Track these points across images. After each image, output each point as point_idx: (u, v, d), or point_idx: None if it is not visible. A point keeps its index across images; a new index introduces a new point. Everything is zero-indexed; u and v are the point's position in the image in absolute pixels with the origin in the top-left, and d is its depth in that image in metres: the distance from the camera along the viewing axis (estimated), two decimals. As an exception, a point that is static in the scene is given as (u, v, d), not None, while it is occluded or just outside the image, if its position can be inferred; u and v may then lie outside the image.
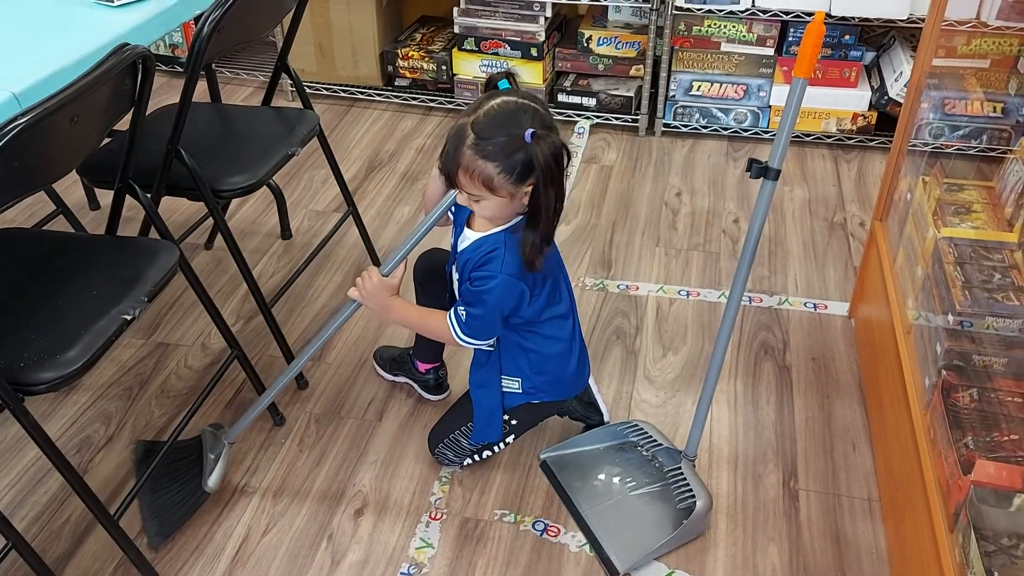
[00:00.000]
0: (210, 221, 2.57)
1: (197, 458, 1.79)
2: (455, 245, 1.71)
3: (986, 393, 1.45)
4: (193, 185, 1.85)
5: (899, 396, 1.71)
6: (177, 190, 1.89)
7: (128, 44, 1.48)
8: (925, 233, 1.71)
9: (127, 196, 1.73)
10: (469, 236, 1.65)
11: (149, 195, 1.77)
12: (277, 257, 2.58)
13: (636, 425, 1.89)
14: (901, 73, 2.92)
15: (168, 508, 1.75)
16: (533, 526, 1.76)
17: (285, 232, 2.66)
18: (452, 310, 1.68)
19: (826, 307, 2.34)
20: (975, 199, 1.77)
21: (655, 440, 1.84)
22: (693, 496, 1.70)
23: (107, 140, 2.12)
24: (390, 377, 2.11)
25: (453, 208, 1.64)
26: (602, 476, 1.84)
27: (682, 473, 1.75)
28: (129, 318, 1.52)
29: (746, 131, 3.11)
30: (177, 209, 2.65)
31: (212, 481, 1.75)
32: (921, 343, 1.67)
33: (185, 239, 2.36)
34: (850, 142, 3.06)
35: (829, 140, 3.07)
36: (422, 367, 2.04)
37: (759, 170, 1.42)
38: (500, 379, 1.74)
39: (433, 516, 1.78)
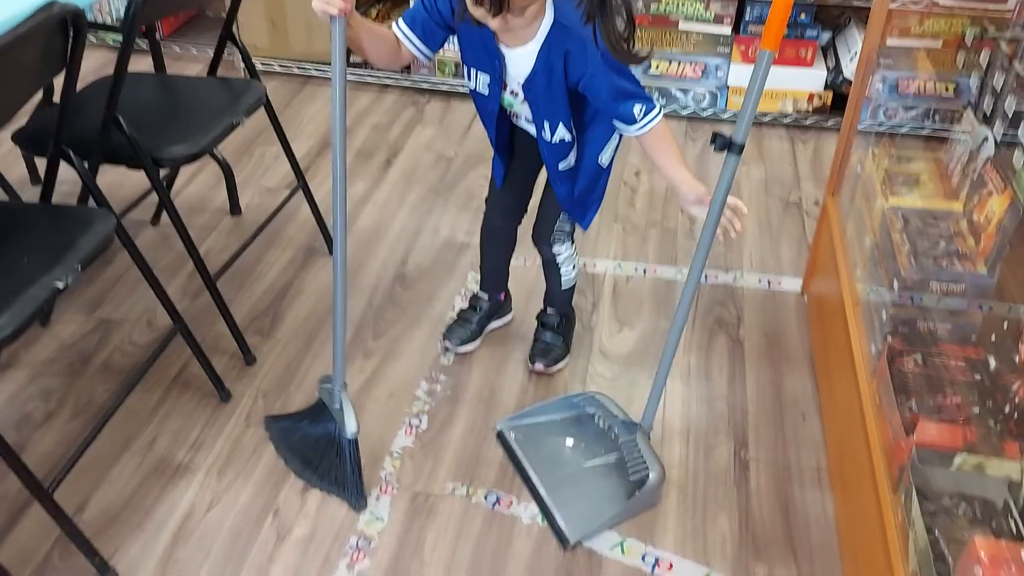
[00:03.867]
0: (156, 198, 2.51)
1: (326, 416, 1.74)
2: (501, 80, 1.57)
3: (930, 358, 1.46)
4: (133, 153, 1.79)
5: (847, 366, 1.71)
6: (116, 159, 1.84)
7: (56, 2, 1.42)
8: (873, 203, 1.72)
9: (70, 171, 1.68)
10: (523, 52, 1.51)
11: (87, 164, 1.72)
12: (226, 233, 2.52)
13: (593, 397, 1.88)
14: (856, 53, 2.94)
15: (339, 472, 1.71)
16: (485, 498, 1.74)
17: (234, 208, 2.61)
18: (633, 109, 1.51)
19: (780, 283, 2.34)
20: (923, 170, 1.77)
21: (611, 412, 1.83)
22: (647, 468, 1.69)
23: (46, 108, 2.06)
24: (476, 343, 2.10)
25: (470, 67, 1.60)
26: (557, 447, 1.82)
27: (637, 445, 1.75)
28: (61, 286, 1.47)
29: (705, 111, 3.11)
30: (123, 185, 2.59)
31: (350, 426, 1.67)
32: (869, 313, 1.67)
33: (128, 213, 2.30)
34: (806, 123, 3.07)
35: (786, 121, 3.08)
36: (502, 295, 2.12)
37: (723, 143, 1.39)
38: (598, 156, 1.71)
39: (383, 490, 1.75)
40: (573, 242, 1.94)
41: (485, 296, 2.12)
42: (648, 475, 1.68)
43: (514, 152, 1.82)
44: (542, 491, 1.73)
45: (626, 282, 2.35)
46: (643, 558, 1.62)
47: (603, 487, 1.74)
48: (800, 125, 3.08)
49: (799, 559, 1.62)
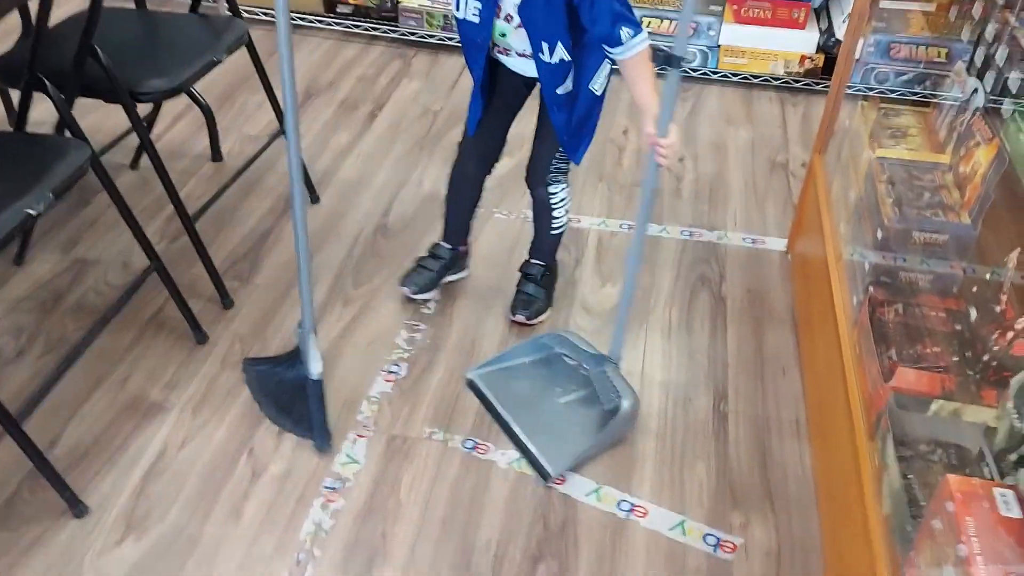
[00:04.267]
0: (135, 141, 2.46)
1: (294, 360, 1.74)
2: (495, 4, 1.57)
3: (911, 308, 1.45)
4: (110, 86, 1.75)
5: (829, 320, 1.71)
6: (93, 92, 1.80)
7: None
8: (860, 156, 1.71)
9: (47, 111, 1.63)
10: None
11: (62, 95, 1.68)
12: (206, 179, 2.48)
13: (560, 335, 1.89)
14: (849, 15, 2.91)
15: (303, 412, 1.70)
16: (463, 444, 1.73)
17: (215, 155, 2.57)
18: (622, 32, 1.51)
19: (764, 243, 2.33)
20: (911, 124, 1.76)
21: (579, 348, 1.84)
22: (619, 397, 1.70)
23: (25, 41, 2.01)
24: (432, 293, 2.08)
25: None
26: (529, 388, 1.83)
27: (607, 376, 1.75)
28: (33, 213, 1.44)
29: (695, 71, 3.08)
30: (101, 129, 2.54)
31: (314, 366, 1.67)
32: (852, 268, 1.66)
33: (106, 153, 2.25)
34: (797, 85, 3.05)
35: (776, 83, 3.06)
36: (463, 248, 2.10)
37: (664, 57, 1.41)
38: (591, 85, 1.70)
39: (360, 434, 1.74)
40: (569, 184, 1.92)
41: (447, 246, 2.09)
42: (621, 403, 1.69)
43: (494, 94, 1.79)
44: (518, 431, 1.72)
45: (610, 238, 2.33)
46: (618, 504, 1.62)
47: (578, 421, 1.75)
48: (790, 88, 3.06)
49: (776, 508, 1.62)
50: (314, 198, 2.41)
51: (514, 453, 1.71)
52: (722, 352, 1.97)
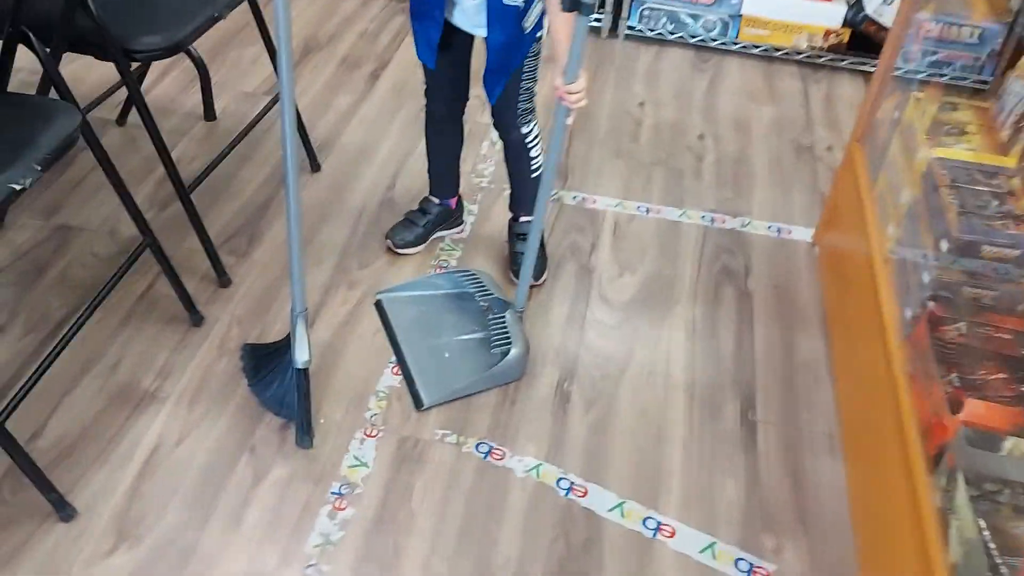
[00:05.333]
0: (123, 94, 2.28)
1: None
2: None
3: (975, 327, 1.35)
4: (100, 41, 1.58)
5: (872, 328, 1.61)
6: (82, 46, 1.63)
7: None
8: (915, 154, 1.59)
9: (28, 59, 1.47)
10: None
11: (48, 49, 1.51)
12: (198, 141, 2.32)
13: (474, 275, 1.87)
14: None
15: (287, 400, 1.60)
16: (476, 448, 1.62)
17: (208, 113, 2.39)
18: None
19: (790, 232, 2.22)
20: (969, 121, 1.64)
21: (488, 291, 1.82)
22: (509, 342, 1.70)
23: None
24: (419, 248, 2.02)
25: None
26: (431, 320, 1.83)
27: (504, 321, 1.74)
28: (18, 188, 1.29)
29: (714, 41, 2.93)
30: (84, 80, 2.36)
31: (300, 354, 1.54)
32: (901, 273, 1.56)
33: (92, 110, 2.08)
34: (820, 61, 2.91)
35: (799, 57, 2.92)
36: (453, 202, 2.04)
37: (570, 3, 1.37)
38: None
39: (368, 433, 1.62)
40: (537, 119, 1.85)
41: (436, 200, 2.03)
42: (511, 349, 1.69)
43: (452, 20, 1.67)
44: (406, 356, 1.74)
45: (628, 222, 2.21)
46: (644, 522, 1.52)
47: (468, 359, 1.75)
48: (813, 63, 2.92)
49: (810, 532, 1.53)
50: (315, 166, 2.25)
51: (532, 461, 1.61)
52: (749, 354, 1.87)
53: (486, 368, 1.72)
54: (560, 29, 1.53)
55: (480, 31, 1.64)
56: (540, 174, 1.90)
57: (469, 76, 1.82)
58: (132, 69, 1.67)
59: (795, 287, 2.05)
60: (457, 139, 1.96)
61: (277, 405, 1.61)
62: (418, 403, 1.67)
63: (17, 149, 1.33)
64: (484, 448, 1.62)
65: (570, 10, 1.39)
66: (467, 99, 1.87)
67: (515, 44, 1.65)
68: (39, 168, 1.32)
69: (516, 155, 1.88)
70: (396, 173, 2.27)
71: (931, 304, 1.40)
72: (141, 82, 2.32)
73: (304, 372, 1.55)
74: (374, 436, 1.62)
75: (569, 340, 1.85)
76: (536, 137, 1.86)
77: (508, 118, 1.80)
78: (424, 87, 1.86)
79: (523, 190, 1.94)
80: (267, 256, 1.98)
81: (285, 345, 1.67)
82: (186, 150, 2.27)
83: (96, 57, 1.66)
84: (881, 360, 1.53)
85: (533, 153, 1.86)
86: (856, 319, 1.74)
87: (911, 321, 1.45)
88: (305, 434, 1.57)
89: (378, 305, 1.87)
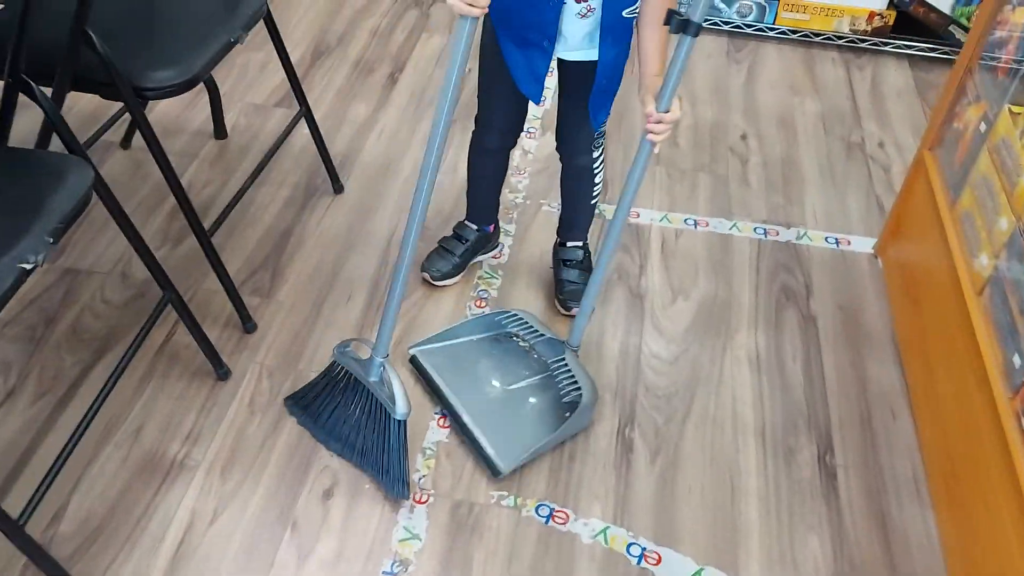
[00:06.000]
0: (125, 116, 2.12)
1: (353, 388, 1.51)
2: None
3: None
4: (108, 79, 1.42)
5: (965, 368, 1.47)
6: (87, 84, 1.46)
7: None
8: (1016, 177, 1.44)
9: (20, 96, 1.31)
10: None
11: (50, 93, 1.35)
12: (210, 163, 2.15)
13: (514, 315, 1.71)
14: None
15: (382, 454, 1.47)
16: (537, 511, 1.49)
17: (219, 131, 2.23)
18: None
19: (849, 243, 2.08)
20: (1069, 138, 1.49)
21: (535, 330, 1.67)
22: (579, 388, 1.56)
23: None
24: (457, 278, 1.88)
25: None
26: (476, 370, 1.67)
27: (566, 364, 1.59)
28: (29, 267, 1.14)
29: (749, 27, 2.76)
30: (80, 97, 2.18)
31: (400, 407, 1.42)
32: (1003, 311, 1.41)
33: (95, 143, 1.91)
34: (862, 45, 2.74)
35: (839, 42, 2.74)
36: (492, 227, 1.90)
37: (680, 23, 1.21)
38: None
39: (418, 499, 1.49)
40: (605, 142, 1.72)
41: (473, 227, 1.88)
42: (581, 395, 1.55)
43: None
44: (466, 419, 1.58)
45: (676, 238, 2.06)
46: (727, 590, 1.40)
47: (531, 411, 1.60)
48: (854, 47, 2.75)
49: (907, 595, 1.41)
50: (337, 187, 2.10)
51: (598, 523, 1.48)
52: (820, 388, 1.73)
53: (555, 418, 1.57)
54: (653, 47, 1.38)
55: (589, 54, 1.47)
56: (598, 199, 1.77)
57: (527, 109, 1.67)
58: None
59: (860, 306, 1.91)
60: (504, 168, 1.82)
61: (332, 440, 1.52)
62: (495, 470, 1.51)
63: (25, 219, 1.18)
64: (545, 511, 1.49)
65: (677, 31, 1.22)
66: (521, 131, 1.73)
67: (623, 59, 1.49)
68: (51, 241, 1.17)
69: (579, 180, 1.73)
70: (424, 191, 2.12)
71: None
72: (145, 105, 2.15)
73: (403, 424, 1.44)
74: (424, 503, 1.49)
75: (626, 379, 1.72)
76: (603, 161, 1.71)
77: (582, 142, 1.64)
78: (477, 115, 1.70)
79: (578, 215, 1.80)
80: (293, 295, 1.83)
81: (328, 385, 1.55)
82: (198, 174, 2.11)
83: (103, 97, 1.50)
84: (981, 407, 1.39)
85: (598, 179, 1.72)
86: (941, 353, 1.61)
87: (1020, 370, 1.31)
88: (404, 486, 1.46)
89: (414, 361, 1.69)
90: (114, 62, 1.41)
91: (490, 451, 1.53)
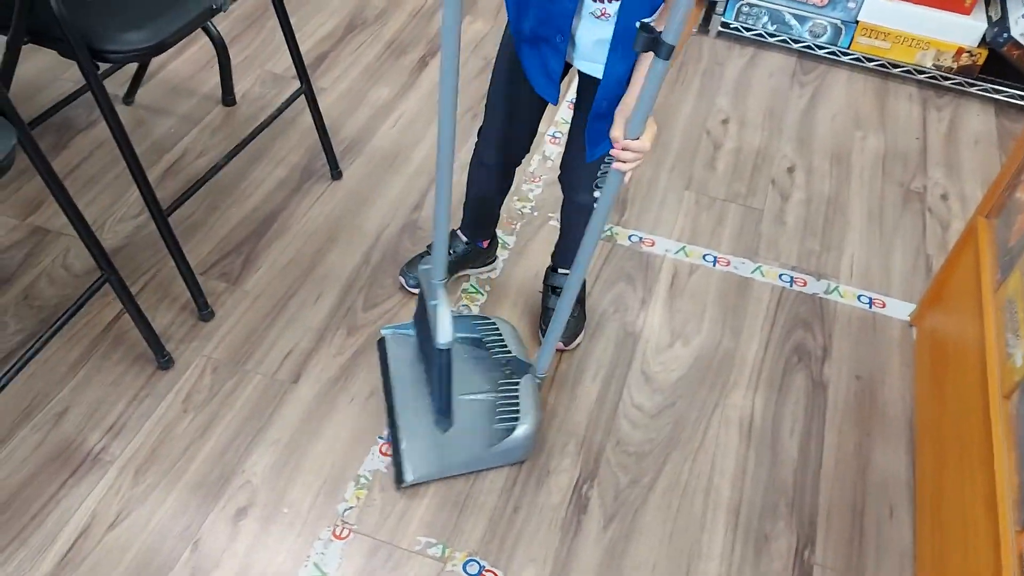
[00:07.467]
0: (132, 67, 2.04)
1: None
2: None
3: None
4: (63, 35, 1.32)
5: (976, 477, 1.26)
6: (42, 38, 1.36)
7: None
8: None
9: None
10: None
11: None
12: (212, 130, 2.05)
13: (493, 323, 1.59)
14: (1032, 7, 2.30)
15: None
16: (465, 567, 1.34)
17: (227, 97, 2.12)
18: None
19: (884, 305, 1.85)
20: None
21: (505, 346, 1.54)
22: (516, 417, 1.43)
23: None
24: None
25: None
26: None
27: (516, 390, 1.46)
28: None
29: (821, 48, 2.51)
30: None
31: (442, 334, 1.36)
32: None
33: (62, 109, 1.82)
34: (945, 83, 2.46)
35: (919, 77, 2.48)
36: (485, 243, 1.76)
37: (650, 41, 1.02)
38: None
39: (337, 533, 1.36)
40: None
41: (464, 238, 1.72)
42: (515, 426, 1.42)
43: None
44: (397, 413, 1.47)
45: (689, 274, 1.86)
46: None
47: (468, 428, 1.45)
48: (935, 84, 2.48)
49: None
50: (335, 173, 1.97)
51: (530, 591, 1.32)
52: (814, 469, 1.53)
53: (486, 444, 1.44)
54: (642, 67, 1.21)
55: (595, 68, 1.30)
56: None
57: (537, 129, 1.50)
58: (100, 72, 1.40)
59: (881, 380, 1.69)
60: (504, 187, 1.65)
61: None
62: (399, 478, 1.41)
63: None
64: (474, 568, 1.34)
65: (645, 50, 1.05)
66: (526, 153, 1.56)
67: (628, 79, 1.30)
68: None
69: (579, 216, 1.53)
70: (426, 190, 1.97)
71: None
72: (147, 66, 2.06)
73: (447, 352, 1.38)
74: (343, 538, 1.35)
75: (597, 427, 1.55)
76: None
77: (583, 178, 1.46)
78: (480, 129, 1.54)
79: (575, 245, 1.63)
80: (260, 285, 1.71)
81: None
82: (197, 140, 2.01)
83: (60, 54, 1.39)
84: (985, 533, 1.18)
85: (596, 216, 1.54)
86: (955, 455, 1.39)
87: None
88: (446, 416, 1.44)
89: (381, 343, 1.60)
90: (69, 19, 1.29)
91: (403, 456, 1.42)
